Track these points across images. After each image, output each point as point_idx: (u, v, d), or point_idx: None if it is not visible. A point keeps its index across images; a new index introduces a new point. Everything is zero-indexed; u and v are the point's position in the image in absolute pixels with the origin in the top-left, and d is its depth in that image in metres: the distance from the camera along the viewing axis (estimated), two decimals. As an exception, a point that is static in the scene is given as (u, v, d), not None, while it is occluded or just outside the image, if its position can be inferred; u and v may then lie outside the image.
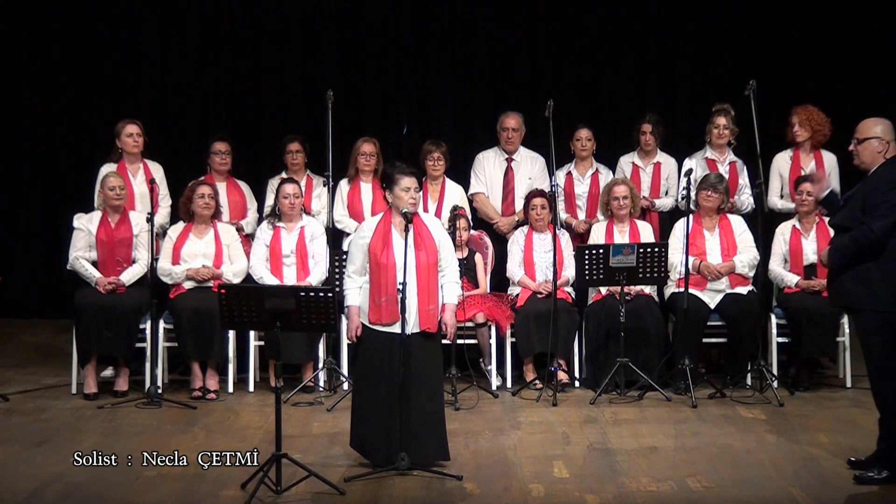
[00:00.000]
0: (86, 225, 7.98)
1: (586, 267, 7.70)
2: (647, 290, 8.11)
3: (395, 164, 6.43)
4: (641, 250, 7.69)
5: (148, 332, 7.75)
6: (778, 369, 8.04)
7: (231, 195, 8.55)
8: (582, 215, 8.69)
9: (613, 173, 8.75)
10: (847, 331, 7.90)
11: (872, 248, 5.83)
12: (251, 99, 10.36)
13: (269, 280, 7.96)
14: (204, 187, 8.05)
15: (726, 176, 8.32)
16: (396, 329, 6.08)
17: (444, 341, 6.43)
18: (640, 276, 7.73)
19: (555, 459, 6.41)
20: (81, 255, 7.94)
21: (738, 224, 8.21)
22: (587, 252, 7.72)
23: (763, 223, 7.98)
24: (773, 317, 8.09)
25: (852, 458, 6.14)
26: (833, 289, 6.10)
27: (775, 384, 7.77)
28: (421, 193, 6.35)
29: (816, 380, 8.04)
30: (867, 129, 6.01)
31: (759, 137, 7.83)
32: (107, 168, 8.27)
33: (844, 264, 5.97)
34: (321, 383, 7.94)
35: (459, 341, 7.70)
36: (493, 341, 8.12)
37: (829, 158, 8.49)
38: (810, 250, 8.06)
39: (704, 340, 8.15)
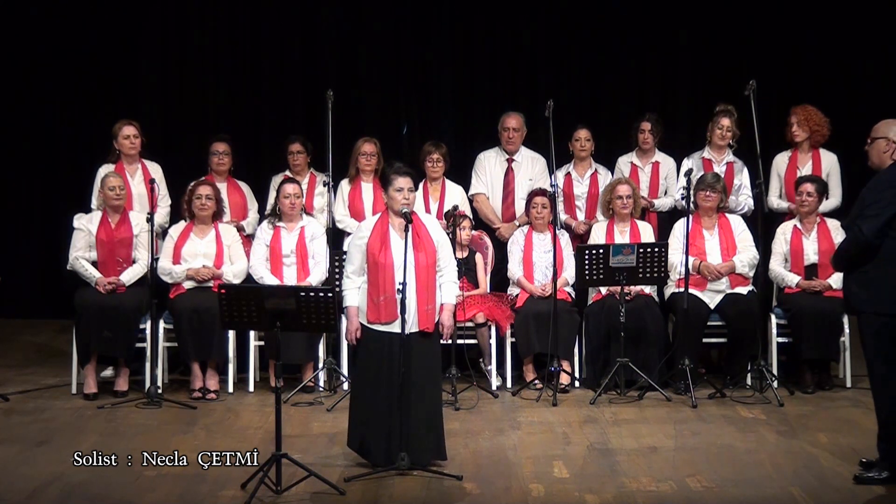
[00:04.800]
0: (86, 225, 7.99)
1: (586, 267, 7.70)
2: (647, 290, 8.11)
3: (392, 164, 6.44)
4: (641, 250, 7.70)
5: (148, 332, 7.75)
6: (778, 369, 8.04)
7: (231, 195, 8.55)
8: (581, 216, 8.69)
9: (612, 174, 8.75)
10: (847, 331, 7.90)
11: (864, 250, 5.79)
12: (251, 99, 10.35)
13: (269, 280, 7.96)
14: (204, 188, 8.05)
15: (722, 175, 8.31)
16: (395, 328, 6.09)
17: (443, 341, 6.44)
18: (640, 276, 7.73)
19: (555, 459, 6.41)
20: (81, 255, 7.94)
21: (737, 224, 8.21)
22: (587, 252, 7.73)
23: (763, 223, 7.98)
24: (773, 317, 8.09)
25: (863, 460, 6.09)
26: (843, 292, 6.09)
27: (775, 384, 7.77)
28: (416, 194, 6.35)
29: (823, 382, 8.01)
30: (879, 129, 5.96)
31: (759, 137, 7.83)
32: (105, 169, 8.27)
33: (845, 267, 5.97)
34: (321, 383, 7.94)
35: (459, 341, 7.71)
36: (493, 341, 8.12)
37: (829, 158, 8.49)
38: (811, 250, 8.06)
39: (704, 340, 8.15)
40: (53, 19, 10.35)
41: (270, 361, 7.81)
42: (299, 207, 8.11)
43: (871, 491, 5.82)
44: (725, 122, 8.48)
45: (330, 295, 5.84)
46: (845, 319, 7.88)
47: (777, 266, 8.16)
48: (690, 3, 10.22)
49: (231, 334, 7.91)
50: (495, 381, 8.05)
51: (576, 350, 8.12)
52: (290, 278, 8.01)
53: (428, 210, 8.40)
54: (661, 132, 8.73)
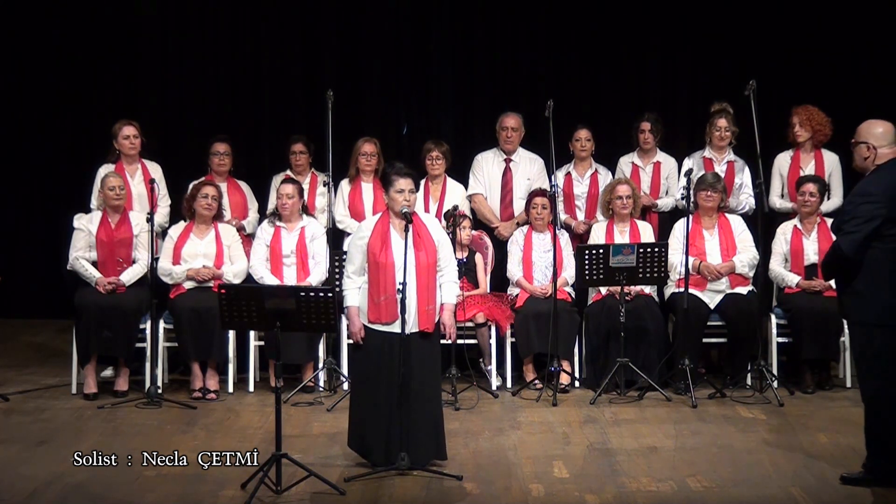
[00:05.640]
0: (86, 225, 7.99)
1: (586, 267, 7.70)
2: (647, 290, 8.11)
3: (394, 164, 6.42)
4: (641, 250, 7.70)
5: (148, 332, 7.75)
6: (778, 369, 8.04)
7: (232, 195, 8.55)
8: (581, 216, 8.69)
9: (613, 174, 8.75)
10: (847, 331, 7.88)
11: (844, 265, 5.78)
12: (251, 99, 10.35)
13: (270, 280, 7.97)
14: (209, 188, 8.05)
15: (722, 176, 8.32)
16: (395, 329, 6.08)
17: (443, 341, 6.44)
18: (640, 276, 7.73)
19: (555, 459, 6.41)
20: (81, 255, 7.94)
21: (737, 224, 8.21)
22: (587, 252, 7.73)
23: (763, 223, 7.98)
24: (773, 317, 8.09)
25: (862, 463, 6.04)
26: (837, 298, 6.09)
27: (775, 384, 7.77)
28: (417, 195, 6.35)
29: (823, 381, 8.01)
30: (860, 132, 5.88)
31: (759, 137, 7.83)
32: (105, 169, 8.27)
33: (830, 277, 5.98)
34: (321, 383, 7.94)
35: (459, 341, 7.70)
36: (493, 341, 8.12)
37: (830, 158, 8.49)
38: (811, 250, 8.06)
39: (704, 340, 8.15)
40: (53, 19, 10.35)
41: (270, 361, 7.81)
42: (294, 208, 8.10)
43: (870, 491, 5.81)
44: (722, 122, 8.48)
45: (330, 295, 5.84)
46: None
47: (777, 266, 8.16)
48: (690, 3, 10.21)
49: (231, 334, 7.91)
50: (495, 381, 8.05)
51: (576, 350, 8.12)
52: (290, 278, 8.01)
53: (427, 208, 8.40)
54: (661, 132, 8.73)
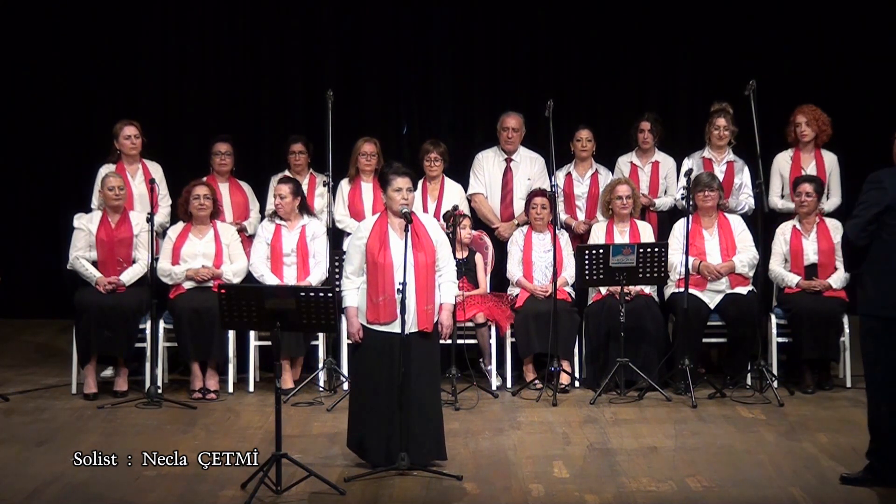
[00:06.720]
0: (86, 225, 7.99)
1: (586, 267, 7.70)
2: (647, 290, 8.11)
3: (391, 164, 6.43)
4: (641, 250, 7.70)
5: (148, 332, 7.75)
6: (778, 369, 8.04)
7: (233, 195, 8.56)
8: (581, 216, 8.69)
9: (612, 174, 8.75)
10: (847, 331, 7.90)
11: (850, 249, 5.85)
12: (251, 99, 10.35)
13: (270, 278, 7.97)
14: (200, 188, 8.05)
15: (722, 176, 8.32)
16: (394, 328, 6.08)
17: (442, 341, 6.44)
18: (640, 276, 7.74)
19: (555, 459, 6.41)
20: (81, 254, 7.94)
21: (737, 224, 8.21)
22: (587, 252, 7.73)
23: (763, 223, 7.98)
24: (773, 317, 8.10)
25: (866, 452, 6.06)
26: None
27: (775, 384, 7.77)
28: (415, 194, 6.35)
29: (823, 382, 8.01)
30: None
31: (759, 137, 7.83)
32: (105, 169, 8.27)
33: (847, 268, 6.00)
34: (321, 383, 7.94)
35: (459, 341, 7.71)
36: (493, 341, 8.12)
37: (830, 158, 8.49)
38: (811, 250, 8.06)
39: (704, 340, 8.15)
40: (53, 19, 10.35)
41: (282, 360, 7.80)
42: (291, 207, 8.08)
43: (870, 491, 5.82)
44: (721, 121, 8.48)
45: (330, 295, 5.84)
46: (845, 319, 7.89)
47: (777, 266, 8.16)
48: (691, 3, 10.22)
49: (231, 334, 7.91)
50: (495, 381, 8.05)
51: (576, 350, 8.13)
52: (290, 277, 8.01)
53: (426, 209, 8.40)
54: (660, 132, 8.73)
